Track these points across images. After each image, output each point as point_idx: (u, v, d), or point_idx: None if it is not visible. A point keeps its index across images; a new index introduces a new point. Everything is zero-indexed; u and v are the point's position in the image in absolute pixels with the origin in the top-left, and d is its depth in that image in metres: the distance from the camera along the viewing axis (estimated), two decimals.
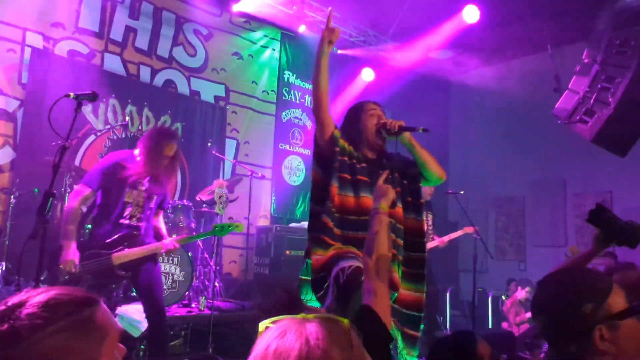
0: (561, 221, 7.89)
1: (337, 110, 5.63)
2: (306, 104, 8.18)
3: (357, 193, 2.50)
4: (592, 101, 4.77)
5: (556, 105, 5.28)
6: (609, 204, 7.43)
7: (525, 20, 7.02)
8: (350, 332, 0.84)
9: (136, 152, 3.47)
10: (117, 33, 6.27)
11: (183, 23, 6.90)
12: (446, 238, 5.76)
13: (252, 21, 7.49)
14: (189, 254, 5.10)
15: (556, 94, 6.11)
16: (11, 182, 5.19)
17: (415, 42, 7.76)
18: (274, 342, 0.81)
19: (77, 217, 3.26)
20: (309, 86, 8.23)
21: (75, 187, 3.37)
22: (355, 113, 2.71)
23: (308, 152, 8.04)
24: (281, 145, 7.80)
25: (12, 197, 4.79)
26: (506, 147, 8.41)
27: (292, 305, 0.91)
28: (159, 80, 6.65)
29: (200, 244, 5.60)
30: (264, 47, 7.77)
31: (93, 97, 2.74)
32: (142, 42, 6.49)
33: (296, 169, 7.94)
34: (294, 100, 8.04)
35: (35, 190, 4.70)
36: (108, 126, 5.97)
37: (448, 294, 7.22)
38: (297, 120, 8.06)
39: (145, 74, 6.50)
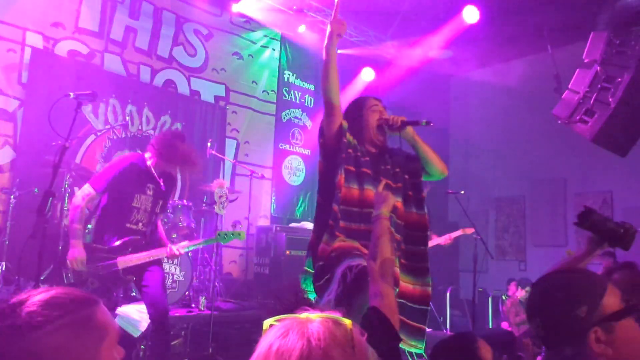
0: (561, 221, 7.88)
1: None
2: (306, 104, 8.18)
3: (361, 185, 2.51)
4: (592, 101, 4.77)
5: (556, 105, 5.28)
6: (609, 204, 7.43)
7: (526, 20, 7.02)
8: (353, 332, 0.84)
9: (147, 155, 3.47)
10: (117, 33, 6.27)
11: (183, 23, 6.90)
12: (447, 237, 5.76)
13: (252, 21, 7.49)
14: (189, 254, 5.10)
15: (556, 94, 6.11)
16: (11, 182, 5.18)
17: (415, 42, 7.76)
18: (277, 342, 0.82)
19: (83, 216, 3.27)
20: (309, 86, 8.23)
21: (83, 187, 3.36)
22: (357, 109, 2.71)
23: (308, 152, 8.04)
24: (281, 145, 7.80)
25: (12, 197, 4.79)
26: (506, 147, 8.42)
27: (297, 305, 0.91)
28: (159, 80, 6.65)
29: None
30: (264, 47, 7.76)
31: (93, 97, 2.75)
32: (142, 42, 6.49)
33: (296, 169, 7.94)
34: (294, 100, 8.04)
35: (35, 190, 4.70)
36: (108, 126, 5.97)
37: (448, 294, 7.21)
38: (297, 120, 8.06)
39: (145, 74, 6.50)
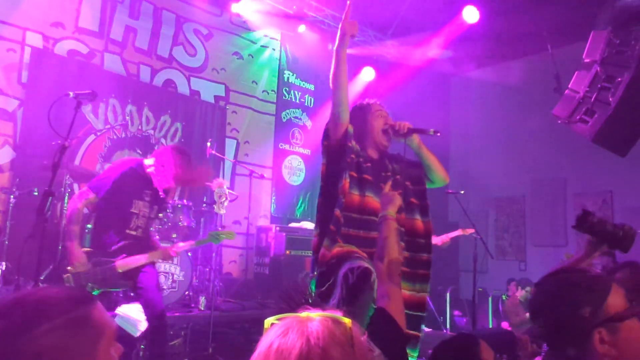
0: (561, 221, 7.88)
1: None
2: (306, 104, 8.18)
3: (362, 192, 2.51)
4: (592, 101, 4.76)
5: (556, 105, 5.27)
6: (609, 204, 7.43)
7: (526, 20, 7.01)
8: (352, 331, 0.85)
9: (147, 162, 3.47)
10: (117, 33, 6.27)
11: (183, 23, 6.90)
12: (445, 237, 5.76)
13: (252, 21, 7.48)
14: (189, 254, 5.10)
15: (556, 94, 6.11)
16: (11, 182, 5.18)
17: (415, 42, 7.76)
18: (277, 340, 0.83)
19: (80, 218, 3.29)
20: (309, 86, 8.23)
21: (81, 189, 3.37)
22: (361, 113, 2.70)
23: (308, 152, 8.04)
24: (281, 145, 7.80)
25: (12, 196, 4.79)
26: (506, 147, 8.42)
27: (305, 305, 0.92)
28: (159, 80, 6.64)
29: None
30: (264, 47, 7.76)
31: (92, 97, 2.75)
32: (142, 41, 6.49)
33: (296, 169, 7.94)
34: (294, 100, 8.04)
35: (35, 190, 4.70)
36: (108, 126, 5.97)
37: (448, 294, 7.21)
38: (297, 120, 8.06)
39: (145, 73, 6.50)
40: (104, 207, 3.39)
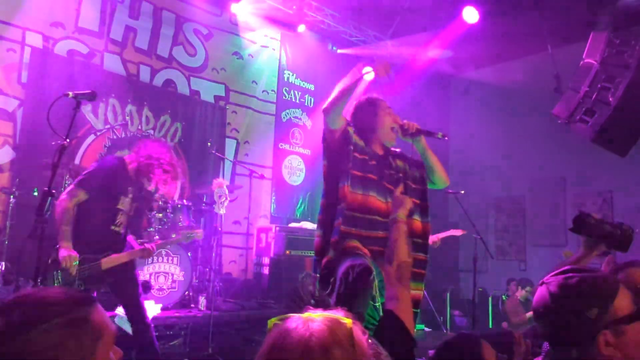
0: (561, 221, 7.88)
1: None
2: (306, 104, 8.18)
3: (365, 191, 2.51)
4: (592, 101, 4.77)
5: (556, 105, 5.27)
6: (609, 204, 7.43)
7: (526, 20, 7.01)
8: (353, 331, 0.85)
9: (128, 159, 3.47)
10: (117, 33, 6.26)
11: (183, 23, 6.89)
12: (435, 237, 5.72)
13: (252, 21, 7.48)
14: (189, 254, 5.09)
15: (556, 94, 6.11)
16: (11, 182, 5.18)
17: (415, 42, 7.76)
18: (279, 340, 0.84)
19: (71, 217, 3.24)
20: (309, 86, 8.23)
21: (70, 187, 3.34)
22: (372, 108, 2.71)
23: (308, 152, 8.04)
24: (281, 145, 7.80)
25: (11, 196, 4.79)
26: (506, 147, 8.41)
27: (307, 304, 0.93)
28: (159, 80, 6.64)
29: (201, 243, 5.60)
30: (264, 47, 7.76)
31: (92, 97, 2.74)
32: (142, 41, 6.49)
33: (296, 169, 7.93)
34: (294, 100, 8.04)
35: (35, 190, 4.70)
36: (108, 126, 5.97)
37: (448, 294, 7.21)
38: (297, 120, 8.06)
39: (145, 73, 6.50)
40: (89, 203, 3.33)
